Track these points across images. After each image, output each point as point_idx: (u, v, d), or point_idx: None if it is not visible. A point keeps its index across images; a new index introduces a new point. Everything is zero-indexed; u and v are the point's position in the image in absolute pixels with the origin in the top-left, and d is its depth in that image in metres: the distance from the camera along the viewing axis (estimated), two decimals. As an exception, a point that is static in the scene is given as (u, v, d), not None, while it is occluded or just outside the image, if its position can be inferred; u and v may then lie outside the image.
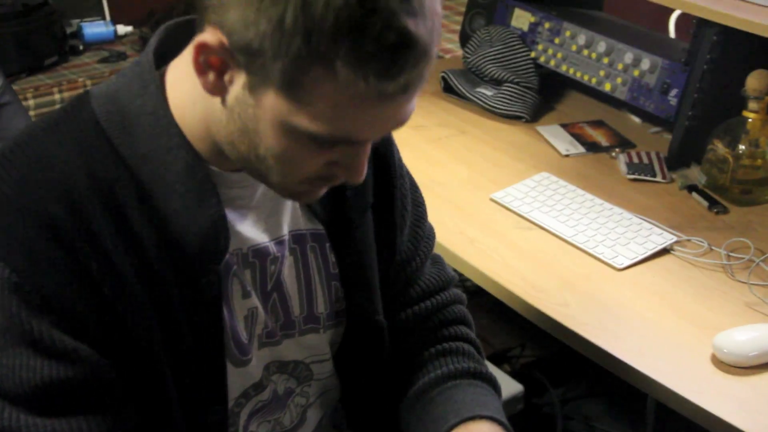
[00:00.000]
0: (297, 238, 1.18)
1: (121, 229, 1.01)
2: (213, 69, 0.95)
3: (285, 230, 1.16)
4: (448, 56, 2.78)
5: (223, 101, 0.98)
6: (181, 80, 1.03)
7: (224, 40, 0.92)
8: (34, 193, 0.99)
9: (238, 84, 0.95)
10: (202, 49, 0.94)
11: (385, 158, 1.26)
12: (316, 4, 0.86)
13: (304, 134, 0.94)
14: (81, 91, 1.38)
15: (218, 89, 0.97)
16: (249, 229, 1.12)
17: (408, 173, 1.33)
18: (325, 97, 0.91)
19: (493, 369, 1.97)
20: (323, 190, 1.07)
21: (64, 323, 0.98)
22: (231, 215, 1.09)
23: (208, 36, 0.93)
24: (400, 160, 1.30)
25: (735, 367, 1.42)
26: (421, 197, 1.36)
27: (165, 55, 1.05)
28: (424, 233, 1.35)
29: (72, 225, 0.98)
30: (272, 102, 0.93)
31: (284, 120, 0.94)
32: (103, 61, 2.99)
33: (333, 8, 0.85)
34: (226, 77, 0.96)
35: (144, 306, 1.03)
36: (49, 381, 0.98)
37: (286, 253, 1.17)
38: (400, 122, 0.97)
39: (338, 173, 1.02)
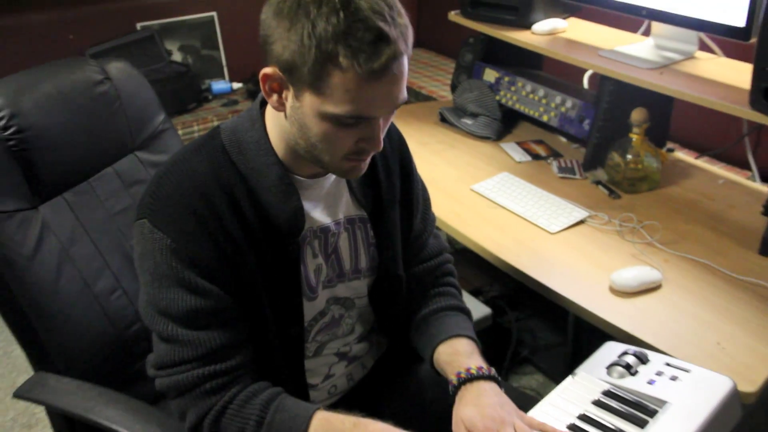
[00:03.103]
0: (349, 220, 1.17)
1: (237, 215, 1.02)
2: (274, 92, 0.97)
3: (341, 215, 1.15)
4: (443, 99, 2.81)
5: (286, 115, 0.99)
6: (271, 119, 1.05)
7: (276, 66, 0.93)
8: (185, 193, 1.00)
9: (290, 98, 0.95)
10: (265, 78, 0.95)
11: (408, 173, 1.25)
12: (319, 23, 0.87)
13: (333, 118, 0.93)
14: (210, 125, 1.41)
15: (280, 105, 0.98)
16: (317, 215, 1.11)
17: (421, 180, 1.31)
18: (338, 86, 0.90)
19: (472, 298, 1.99)
20: (363, 166, 1.03)
21: (203, 273, 1.00)
22: (306, 206, 1.09)
23: (267, 69, 0.95)
24: (417, 173, 1.29)
25: (624, 293, 1.45)
26: (428, 194, 1.34)
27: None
28: (430, 218, 1.34)
29: (207, 213, 1.00)
30: (309, 100, 0.93)
31: (319, 110, 0.93)
32: (224, 105, 3.03)
33: (330, 23, 0.87)
34: (283, 95, 0.96)
35: (251, 263, 1.04)
36: (194, 307, 1.00)
37: (342, 230, 1.15)
38: (394, 103, 0.94)
39: (365, 147, 0.99)
